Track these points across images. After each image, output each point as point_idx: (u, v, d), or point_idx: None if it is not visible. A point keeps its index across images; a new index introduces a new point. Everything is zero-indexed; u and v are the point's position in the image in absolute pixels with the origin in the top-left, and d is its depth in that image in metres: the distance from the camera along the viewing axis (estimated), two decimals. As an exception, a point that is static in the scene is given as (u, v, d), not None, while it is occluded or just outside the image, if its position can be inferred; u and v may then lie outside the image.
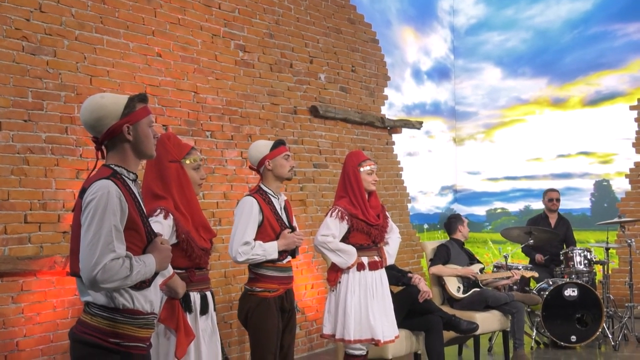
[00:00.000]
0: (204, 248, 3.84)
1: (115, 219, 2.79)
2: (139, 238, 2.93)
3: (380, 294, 5.30)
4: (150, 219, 3.51)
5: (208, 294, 3.89)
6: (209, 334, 3.82)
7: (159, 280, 3.09)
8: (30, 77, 5.42)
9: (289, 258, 4.82)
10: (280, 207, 4.82)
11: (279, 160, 4.78)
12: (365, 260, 5.29)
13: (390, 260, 5.49)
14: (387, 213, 5.54)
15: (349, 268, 5.25)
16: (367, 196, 5.39)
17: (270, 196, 4.77)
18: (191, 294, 3.76)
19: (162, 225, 3.65)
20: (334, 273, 5.32)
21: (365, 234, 5.30)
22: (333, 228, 5.24)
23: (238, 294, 6.92)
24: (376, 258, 5.35)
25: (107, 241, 2.75)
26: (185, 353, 3.62)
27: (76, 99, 5.70)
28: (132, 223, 2.88)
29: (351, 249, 5.26)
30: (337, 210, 5.29)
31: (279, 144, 4.82)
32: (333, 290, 5.33)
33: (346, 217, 5.27)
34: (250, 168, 4.92)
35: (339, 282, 5.29)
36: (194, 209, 3.81)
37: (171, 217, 3.70)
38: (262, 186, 4.81)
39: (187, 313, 3.71)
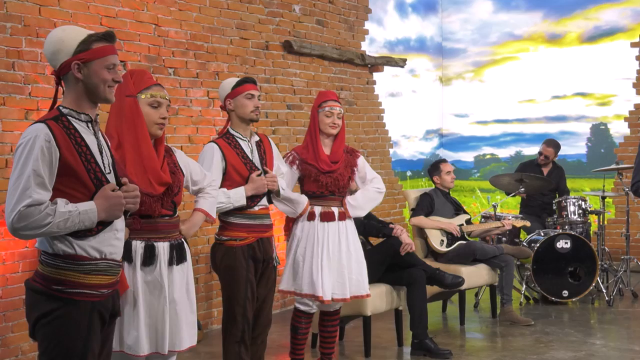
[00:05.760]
0: (149, 193, 3.72)
1: (37, 164, 2.85)
2: (82, 184, 2.97)
3: (335, 250, 5.25)
4: None
5: (161, 244, 3.79)
6: (157, 288, 3.74)
7: (118, 224, 3.10)
8: (-29, 6, 5.30)
9: (264, 205, 4.81)
10: (251, 150, 4.78)
11: (240, 100, 4.71)
12: (317, 210, 5.27)
13: (354, 212, 5.38)
14: (360, 161, 5.46)
15: (300, 217, 5.27)
16: (329, 140, 5.32)
17: (237, 139, 4.75)
18: (133, 242, 3.73)
19: None
20: (289, 222, 5.40)
21: (314, 181, 5.28)
22: None
23: (205, 246, 6.93)
24: (333, 209, 5.29)
25: (25, 187, 2.83)
26: None
27: (23, 31, 5.58)
28: (69, 169, 2.93)
29: (300, 198, 5.25)
30: (288, 154, 5.37)
31: (242, 82, 4.75)
32: (286, 241, 5.40)
33: (297, 162, 5.30)
34: (221, 108, 4.88)
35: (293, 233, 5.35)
36: (142, 149, 3.72)
37: None
38: (229, 129, 4.79)
39: (126, 263, 3.68)
